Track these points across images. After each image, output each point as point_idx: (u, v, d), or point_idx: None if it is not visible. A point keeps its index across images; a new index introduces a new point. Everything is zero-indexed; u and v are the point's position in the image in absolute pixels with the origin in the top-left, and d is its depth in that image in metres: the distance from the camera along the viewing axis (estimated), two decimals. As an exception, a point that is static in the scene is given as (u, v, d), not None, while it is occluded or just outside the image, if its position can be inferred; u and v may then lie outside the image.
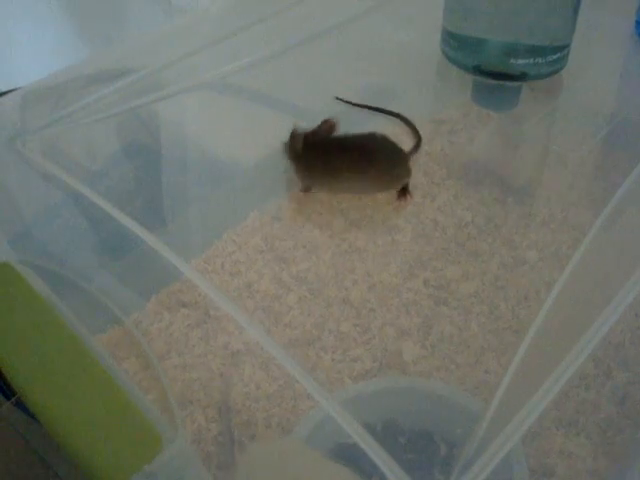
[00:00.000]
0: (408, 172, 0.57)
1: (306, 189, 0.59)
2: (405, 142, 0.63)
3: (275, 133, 0.62)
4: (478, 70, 0.64)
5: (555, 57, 0.63)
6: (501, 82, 0.64)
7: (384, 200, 0.59)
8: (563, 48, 0.64)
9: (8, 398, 0.47)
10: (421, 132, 0.63)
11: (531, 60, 0.62)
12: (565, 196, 0.59)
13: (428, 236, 0.56)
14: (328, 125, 0.58)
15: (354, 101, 0.65)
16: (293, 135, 0.58)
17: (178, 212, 0.62)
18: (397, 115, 0.64)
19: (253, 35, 0.70)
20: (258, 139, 0.65)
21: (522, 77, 0.63)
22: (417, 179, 0.60)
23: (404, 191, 0.58)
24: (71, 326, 0.35)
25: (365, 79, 0.70)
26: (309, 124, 0.64)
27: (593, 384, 0.47)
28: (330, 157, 0.56)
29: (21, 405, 0.46)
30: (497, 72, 0.63)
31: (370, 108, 0.65)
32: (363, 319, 0.51)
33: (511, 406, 0.34)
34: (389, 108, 0.66)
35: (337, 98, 0.65)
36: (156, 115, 0.67)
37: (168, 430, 0.33)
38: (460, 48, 0.64)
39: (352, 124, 0.64)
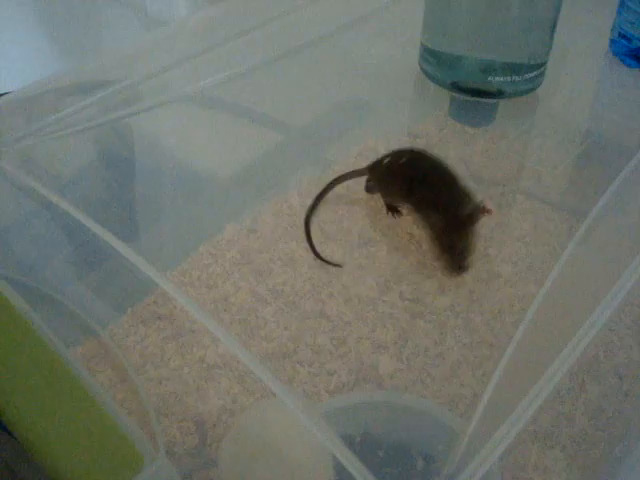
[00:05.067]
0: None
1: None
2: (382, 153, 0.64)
3: (251, 146, 0.62)
4: (455, 87, 0.65)
5: (532, 75, 0.64)
6: (478, 99, 0.65)
7: (361, 213, 0.59)
8: (540, 66, 0.64)
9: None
10: (397, 146, 0.63)
11: (508, 78, 0.63)
12: (539, 211, 0.60)
13: (404, 250, 0.56)
14: None
15: (330, 113, 0.66)
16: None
17: (154, 224, 0.61)
18: None
19: (231, 48, 0.70)
20: (235, 152, 0.65)
21: (499, 94, 0.64)
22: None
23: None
24: (47, 339, 0.35)
25: (344, 93, 0.70)
26: (286, 137, 0.64)
27: (567, 397, 0.47)
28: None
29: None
30: (474, 89, 0.64)
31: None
32: (339, 332, 0.51)
33: (492, 421, 0.34)
34: (366, 122, 0.66)
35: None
36: (133, 128, 0.67)
37: (149, 448, 0.33)
38: (438, 65, 0.65)
39: (330, 132, 0.64)
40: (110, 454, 0.33)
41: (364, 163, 0.64)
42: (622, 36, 0.70)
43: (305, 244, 0.56)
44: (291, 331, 0.51)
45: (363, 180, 0.61)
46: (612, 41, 0.72)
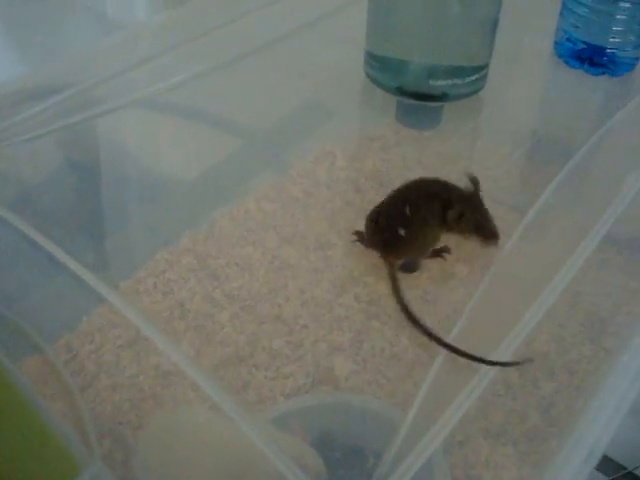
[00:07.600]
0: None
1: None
2: (339, 157, 0.64)
3: (206, 151, 0.62)
4: (400, 91, 0.65)
5: (474, 77, 0.65)
6: (423, 102, 0.65)
7: (317, 216, 0.59)
8: (481, 69, 0.65)
9: None
10: (353, 149, 0.64)
11: (450, 81, 0.63)
12: (493, 211, 0.60)
13: (359, 252, 0.57)
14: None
15: (286, 117, 0.66)
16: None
17: (112, 232, 0.61)
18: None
19: (188, 52, 0.70)
20: (190, 157, 0.65)
21: (443, 97, 0.65)
22: (349, 196, 0.61)
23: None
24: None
25: (298, 96, 0.71)
26: (243, 142, 0.64)
27: (520, 394, 0.48)
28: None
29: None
30: (419, 93, 0.65)
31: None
32: (296, 335, 0.51)
33: (429, 416, 0.35)
34: (323, 126, 0.67)
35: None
36: (92, 132, 0.67)
37: (84, 454, 0.33)
38: (382, 69, 0.66)
39: (286, 137, 0.64)
40: (46, 461, 0.33)
41: (321, 168, 0.64)
42: (567, 39, 0.70)
43: (262, 248, 0.57)
44: (247, 335, 0.51)
45: (320, 184, 0.61)
46: (556, 43, 0.72)
